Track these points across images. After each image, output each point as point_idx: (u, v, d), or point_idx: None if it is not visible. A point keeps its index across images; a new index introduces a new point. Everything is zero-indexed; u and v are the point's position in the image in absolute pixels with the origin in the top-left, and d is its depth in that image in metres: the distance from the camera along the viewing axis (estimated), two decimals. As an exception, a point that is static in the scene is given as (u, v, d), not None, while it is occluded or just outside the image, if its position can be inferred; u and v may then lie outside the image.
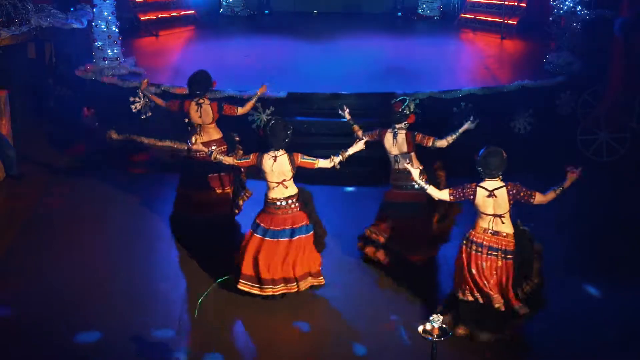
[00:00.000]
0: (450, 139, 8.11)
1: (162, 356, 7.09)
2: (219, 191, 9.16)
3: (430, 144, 8.15)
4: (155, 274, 8.62)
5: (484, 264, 7.08)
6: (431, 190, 7.15)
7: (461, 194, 7.07)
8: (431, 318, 5.92)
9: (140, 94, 11.65)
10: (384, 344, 7.30)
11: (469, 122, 8.14)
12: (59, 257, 8.74)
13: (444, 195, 7.14)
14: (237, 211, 9.32)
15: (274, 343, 7.34)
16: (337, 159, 7.66)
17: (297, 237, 7.72)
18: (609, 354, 7.21)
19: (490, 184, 6.98)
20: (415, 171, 7.24)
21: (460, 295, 7.26)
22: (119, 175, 10.92)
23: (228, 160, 7.89)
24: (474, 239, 7.11)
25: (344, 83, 12.18)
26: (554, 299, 7.94)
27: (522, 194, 6.96)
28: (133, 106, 11.98)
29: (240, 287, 7.82)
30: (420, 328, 5.96)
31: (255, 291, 7.81)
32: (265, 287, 7.76)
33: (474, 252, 7.11)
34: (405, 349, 7.21)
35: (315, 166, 7.72)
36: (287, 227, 7.71)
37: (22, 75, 12.67)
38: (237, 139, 9.32)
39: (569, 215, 9.73)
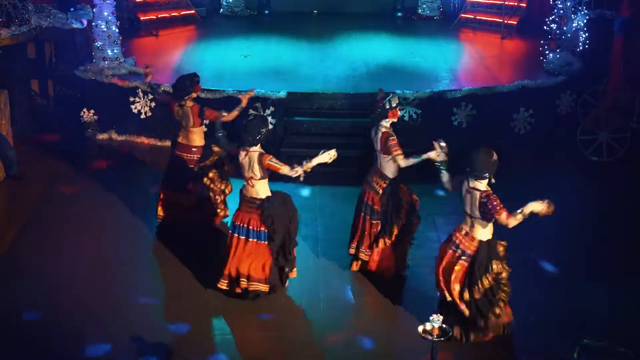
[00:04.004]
0: (411, 161, 7.75)
1: (159, 354, 7.09)
2: (199, 195, 9.18)
3: (394, 155, 7.84)
4: (155, 273, 8.63)
5: (451, 260, 7.16)
6: (444, 176, 7.26)
7: (456, 184, 7.19)
8: (431, 318, 5.93)
9: (141, 94, 11.65)
10: (383, 345, 7.30)
11: (435, 151, 7.54)
12: (58, 257, 8.74)
13: (448, 185, 7.29)
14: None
15: (267, 342, 7.38)
16: (301, 170, 7.52)
17: (251, 239, 7.73)
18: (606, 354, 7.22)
19: (474, 182, 6.95)
20: (442, 156, 7.27)
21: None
22: (118, 175, 10.92)
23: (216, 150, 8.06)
24: (453, 237, 7.20)
25: (344, 83, 12.18)
26: (553, 299, 7.97)
27: (489, 206, 6.83)
28: (133, 106, 11.98)
29: (219, 285, 7.92)
30: (420, 328, 5.96)
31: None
32: (222, 281, 7.88)
33: (449, 250, 7.19)
34: (405, 349, 7.21)
35: (280, 172, 7.62)
36: (244, 225, 7.76)
37: (22, 75, 12.66)
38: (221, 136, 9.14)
39: (569, 214, 9.72)
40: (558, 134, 11.83)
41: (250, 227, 7.73)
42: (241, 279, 7.80)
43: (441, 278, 7.23)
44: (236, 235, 7.79)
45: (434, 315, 5.94)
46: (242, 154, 7.65)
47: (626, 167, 11.13)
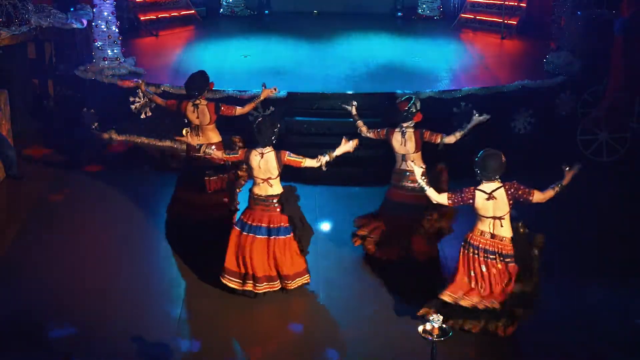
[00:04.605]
0: (458, 134, 8.12)
1: (160, 354, 7.09)
2: (216, 193, 9.15)
3: (439, 140, 8.16)
4: (155, 273, 8.64)
5: (482, 266, 7.08)
6: (430, 192, 7.12)
7: (460, 199, 7.04)
8: (431, 318, 5.92)
9: (140, 94, 11.66)
10: (382, 345, 7.30)
11: (478, 116, 8.21)
12: (58, 257, 8.74)
13: (442, 199, 7.12)
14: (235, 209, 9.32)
15: (267, 343, 7.36)
16: (324, 159, 7.68)
17: (273, 237, 7.74)
18: (608, 356, 7.22)
19: (488, 186, 6.97)
20: (418, 170, 7.22)
21: (448, 299, 7.22)
22: (118, 175, 10.92)
23: (217, 154, 7.94)
24: (472, 241, 7.12)
25: (344, 83, 12.18)
26: (552, 299, 7.96)
27: (520, 192, 6.96)
28: (133, 106, 11.98)
29: (223, 281, 7.90)
30: (420, 328, 5.96)
31: (235, 286, 7.86)
32: (247, 282, 7.82)
33: (471, 254, 7.12)
34: (405, 349, 7.21)
35: (302, 165, 7.73)
36: (263, 225, 7.74)
37: (22, 75, 12.67)
38: (240, 144, 9.27)
39: (569, 215, 9.72)
40: (558, 134, 11.82)
41: (272, 225, 7.75)
42: (285, 281, 7.86)
43: (483, 291, 7.13)
44: (251, 234, 7.74)
45: (434, 315, 5.93)
46: (257, 156, 7.64)
47: (626, 167, 11.13)
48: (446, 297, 7.23)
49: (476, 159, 7.01)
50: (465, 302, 7.17)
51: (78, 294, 7.99)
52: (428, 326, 5.92)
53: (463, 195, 7.03)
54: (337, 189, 10.53)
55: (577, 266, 8.64)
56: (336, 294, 8.11)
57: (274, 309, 7.84)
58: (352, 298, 8.09)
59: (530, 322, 7.38)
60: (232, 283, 7.88)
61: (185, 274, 8.43)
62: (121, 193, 10.29)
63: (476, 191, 6.98)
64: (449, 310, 7.20)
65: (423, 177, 7.18)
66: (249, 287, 7.83)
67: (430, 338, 5.89)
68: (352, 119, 8.66)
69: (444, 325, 5.94)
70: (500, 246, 7.04)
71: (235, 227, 7.87)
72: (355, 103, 8.70)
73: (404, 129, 8.25)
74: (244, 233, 7.79)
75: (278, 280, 7.86)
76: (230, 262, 7.85)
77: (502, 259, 7.05)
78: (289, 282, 7.86)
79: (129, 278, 8.39)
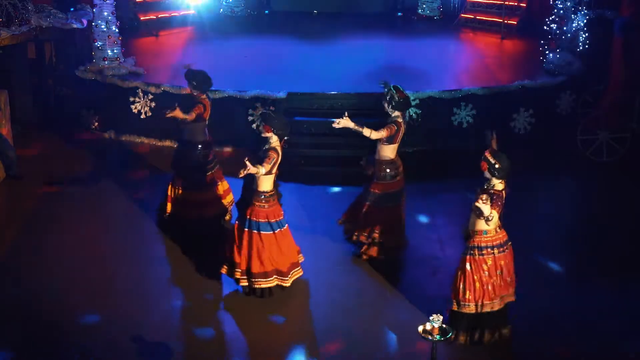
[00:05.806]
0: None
1: (160, 354, 7.10)
2: (211, 189, 9.19)
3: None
4: (155, 273, 8.62)
5: (507, 259, 7.06)
6: (486, 210, 6.69)
7: (501, 206, 6.86)
8: (431, 318, 5.93)
9: (141, 94, 11.63)
10: (383, 345, 7.30)
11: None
12: (58, 257, 8.74)
13: (495, 216, 6.81)
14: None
15: (267, 342, 7.37)
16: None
17: (278, 230, 7.79)
18: (605, 354, 7.23)
19: (500, 184, 6.89)
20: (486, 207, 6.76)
21: (467, 310, 7.10)
22: (117, 175, 10.92)
23: (267, 167, 7.51)
24: (493, 242, 6.98)
25: (344, 83, 12.17)
26: (551, 300, 7.97)
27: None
28: (133, 106, 11.98)
29: (262, 285, 7.88)
30: (420, 328, 5.96)
31: (279, 283, 7.90)
32: (258, 279, 7.83)
33: (497, 254, 7.00)
34: (406, 349, 7.21)
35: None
36: (279, 219, 7.82)
37: (22, 75, 12.66)
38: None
39: (568, 214, 9.73)
40: (558, 134, 11.83)
41: (278, 219, 7.84)
42: (295, 270, 8.00)
43: (510, 280, 7.14)
44: (281, 229, 7.81)
45: (434, 315, 5.94)
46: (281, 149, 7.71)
47: (626, 167, 11.12)
48: (468, 309, 7.10)
49: (497, 163, 6.80)
50: (488, 307, 7.11)
51: (77, 294, 7.98)
52: (428, 326, 5.92)
53: (502, 202, 6.87)
54: (337, 189, 10.52)
55: (576, 266, 8.64)
56: (337, 295, 8.10)
57: (274, 308, 7.83)
58: (353, 298, 8.08)
59: (529, 323, 7.39)
60: (279, 280, 7.91)
61: (184, 273, 8.43)
62: (120, 192, 10.29)
63: (502, 192, 6.91)
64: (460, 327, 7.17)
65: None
66: (261, 284, 7.84)
67: (430, 338, 5.90)
68: (355, 132, 8.39)
69: (444, 325, 5.94)
70: (505, 233, 7.07)
71: (247, 230, 7.76)
72: (346, 115, 8.43)
73: (406, 116, 8.33)
74: (279, 230, 7.80)
75: (287, 276, 7.94)
76: (267, 264, 7.81)
77: (509, 243, 7.10)
78: (288, 276, 7.95)
79: (128, 277, 8.38)
